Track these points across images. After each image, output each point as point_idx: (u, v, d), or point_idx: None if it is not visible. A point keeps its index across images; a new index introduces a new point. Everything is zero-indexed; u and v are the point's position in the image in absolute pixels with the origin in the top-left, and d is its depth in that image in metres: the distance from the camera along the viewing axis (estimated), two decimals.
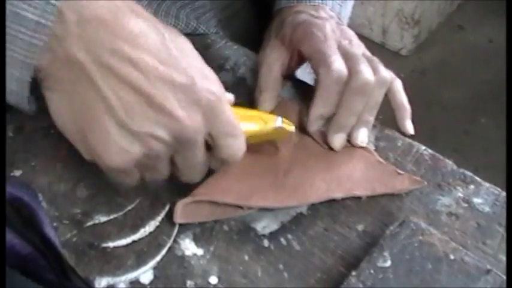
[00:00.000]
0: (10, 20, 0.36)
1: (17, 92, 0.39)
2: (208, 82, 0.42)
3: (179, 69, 0.40)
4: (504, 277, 0.44)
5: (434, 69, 2.04)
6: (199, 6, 0.69)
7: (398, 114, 0.57)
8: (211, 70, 0.44)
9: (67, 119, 0.40)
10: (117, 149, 0.39)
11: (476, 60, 2.05)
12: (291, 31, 0.58)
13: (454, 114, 1.88)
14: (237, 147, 0.45)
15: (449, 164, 0.55)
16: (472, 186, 0.53)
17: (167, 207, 0.50)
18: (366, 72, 0.53)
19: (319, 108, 0.54)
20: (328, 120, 0.55)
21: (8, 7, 0.36)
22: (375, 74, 0.53)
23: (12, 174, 0.52)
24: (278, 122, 0.49)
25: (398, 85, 0.57)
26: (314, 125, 0.54)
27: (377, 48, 2.02)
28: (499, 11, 2.06)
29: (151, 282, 0.46)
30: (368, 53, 0.56)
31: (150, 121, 0.39)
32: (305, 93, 0.61)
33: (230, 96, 0.47)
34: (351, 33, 0.58)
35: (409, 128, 0.57)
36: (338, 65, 0.53)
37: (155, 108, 0.39)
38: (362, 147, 0.54)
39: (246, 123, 0.47)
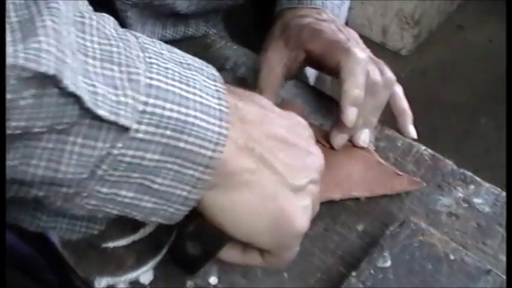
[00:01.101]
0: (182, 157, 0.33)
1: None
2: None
3: (302, 138, 0.40)
4: (504, 277, 0.44)
5: (434, 69, 2.04)
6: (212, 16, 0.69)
7: (400, 120, 0.58)
8: None
9: (255, 226, 0.37)
10: (301, 211, 0.38)
11: (476, 60, 2.05)
12: (297, 32, 0.58)
13: (454, 114, 1.88)
14: None
15: (449, 164, 0.55)
16: (472, 187, 0.53)
17: None
18: (374, 72, 0.53)
19: (351, 91, 0.51)
20: (329, 117, 0.55)
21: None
22: (381, 75, 0.54)
23: None
24: None
25: (399, 90, 0.57)
26: (349, 112, 0.51)
27: (377, 48, 2.02)
28: (499, 11, 2.06)
29: (151, 282, 0.46)
30: (372, 55, 0.57)
31: (305, 169, 0.39)
32: (305, 93, 0.61)
33: None
34: (357, 36, 0.59)
35: (412, 132, 0.57)
36: (356, 49, 0.53)
37: (302, 155, 0.39)
38: (362, 148, 0.54)
39: None
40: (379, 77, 0.53)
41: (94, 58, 0.30)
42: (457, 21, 2.20)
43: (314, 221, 0.50)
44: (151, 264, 0.47)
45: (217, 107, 0.34)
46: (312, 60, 0.58)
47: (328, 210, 0.51)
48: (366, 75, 0.52)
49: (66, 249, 0.47)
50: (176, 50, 0.35)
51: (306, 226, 0.39)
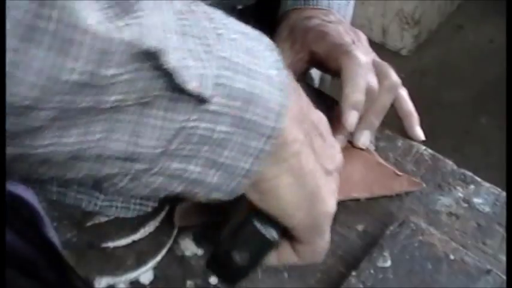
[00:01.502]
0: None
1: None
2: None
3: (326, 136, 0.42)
4: (504, 277, 0.44)
5: (434, 69, 2.04)
6: None
7: (407, 122, 0.58)
8: None
9: (295, 201, 0.38)
10: (332, 193, 0.40)
11: (476, 60, 2.05)
12: (303, 34, 0.58)
13: (454, 114, 1.88)
14: None
15: (449, 164, 0.55)
16: (472, 186, 0.53)
17: (167, 207, 0.50)
18: (372, 79, 0.53)
19: (352, 95, 0.52)
20: (329, 117, 0.55)
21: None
22: (384, 79, 0.54)
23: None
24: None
25: (404, 93, 0.58)
26: (350, 115, 0.51)
27: (377, 48, 2.01)
28: (499, 11, 2.06)
29: (151, 282, 0.46)
30: (378, 58, 0.57)
31: (331, 157, 0.40)
32: (305, 93, 0.61)
33: None
34: (364, 37, 0.59)
35: (420, 134, 0.58)
36: (358, 52, 0.53)
37: (329, 144, 0.40)
38: (362, 148, 0.54)
39: None
40: (376, 84, 0.53)
41: (176, 32, 0.29)
42: (457, 21, 2.20)
43: None
44: (151, 264, 0.47)
45: (277, 78, 0.34)
46: (316, 62, 0.58)
47: None
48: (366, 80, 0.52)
49: (66, 249, 0.47)
50: (231, 18, 0.35)
51: (334, 209, 0.40)
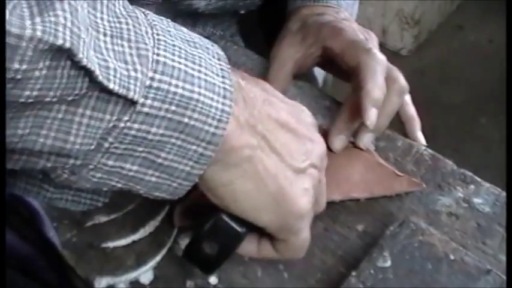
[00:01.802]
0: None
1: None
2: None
3: (307, 127, 0.42)
4: (504, 277, 0.44)
5: (434, 69, 2.04)
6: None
7: (409, 127, 0.58)
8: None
9: (257, 204, 0.38)
10: (301, 192, 0.39)
11: (476, 60, 2.05)
12: (317, 29, 0.58)
13: (454, 114, 1.88)
14: None
15: (449, 164, 0.55)
16: (472, 186, 0.53)
17: (167, 207, 0.50)
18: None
19: (373, 92, 0.51)
20: (329, 117, 0.55)
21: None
22: (394, 82, 0.53)
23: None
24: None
25: (407, 97, 0.58)
26: (372, 113, 0.50)
27: None
28: (499, 11, 2.05)
29: (151, 282, 0.46)
30: (387, 63, 0.56)
31: (305, 153, 0.40)
32: (305, 93, 0.61)
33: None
34: (376, 38, 0.59)
35: (421, 139, 0.58)
36: (376, 50, 0.53)
37: (302, 140, 0.40)
38: (361, 148, 0.54)
39: None
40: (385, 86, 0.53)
41: (105, 34, 0.30)
42: (457, 21, 2.20)
43: (314, 221, 0.50)
44: (151, 264, 0.47)
45: (221, 85, 0.34)
46: (328, 58, 0.57)
47: (328, 210, 0.51)
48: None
49: (66, 249, 0.47)
50: (183, 28, 0.36)
51: (307, 209, 0.40)
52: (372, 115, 0.50)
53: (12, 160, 0.31)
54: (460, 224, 0.50)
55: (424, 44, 2.12)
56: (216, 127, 0.34)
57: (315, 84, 0.75)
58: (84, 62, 0.28)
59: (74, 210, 0.39)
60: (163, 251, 0.48)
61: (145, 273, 0.47)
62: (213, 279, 0.46)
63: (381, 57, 0.53)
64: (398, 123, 0.59)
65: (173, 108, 0.32)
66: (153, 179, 0.35)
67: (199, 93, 0.33)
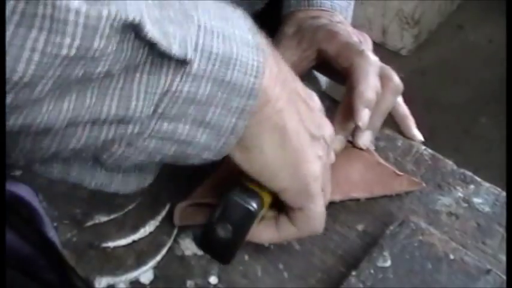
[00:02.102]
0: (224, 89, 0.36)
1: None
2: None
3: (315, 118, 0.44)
4: (504, 277, 0.44)
5: (434, 69, 2.04)
6: None
7: (404, 125, 0.59)
8: None
9: (279, 160, 0.40)
10: (315, 156, 0.41)
11: (476, 60, 2.05)
12: (312, 32, 0.59)
13: (454, 114, 1.88)
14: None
15: (449, 164, 0.55)
16: (472, 186, 0.53)
17: (167, 207, 0.50)
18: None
19: (365, 93, 0.52)
20: (329, 117, 0.55)
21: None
22: (389, 81, 0.54)
23: (12, 174, 0.52)
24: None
25: (399, 98, 0.58)
26: (363, 113, 0.51)
27: (377, 48, 2.01)
28: (499, 11, 2.06)
29: (151, 282, 0.46)
30: (380, 62, 0.57)
31: (318, 126, 0.42)
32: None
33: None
34: (370, 40, 0.60)
35: (418, 135, 0.58)
36: (369, 52, 0.55)
37: (315, 113, 0.43)
38: (361, 148, 0.54)
39: None
40: (379, 86, 0.54)
41: (154, 4, 0.32)
42: (457, 21, 2.20)
43: None
44: (151, 264, 0.47)
45: (252, 41, 0.36)
46: (323, 61, 0.58)
47: (328, 210, 0.50)
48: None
49: (66, 249, 0.47)
50: None
51: (319, 174, 0.42)
52: (363, 116, 0.52)
53: (74, 137, 0.33)
54: (460, 224, 0.50)
55: (424, 44, 2.12)
56: (256, 77, 0.36)
57: (316, 85, 0.75)
58: (150, 34, 0.30)
59: (123, 193, 0.40)
60: (163, 251, 0.48)
61: (145, 273, 0.47)
62: (213, 279, 0.46)
63: (374, 58, 0.54)
64: (397, 124, 0.59)
65: (217, 67, 0.34)
66: (204, 137, 0.37)
67: (237, 51, 0.35)
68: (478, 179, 0.53)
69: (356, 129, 0.54)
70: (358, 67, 0.53)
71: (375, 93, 0.52)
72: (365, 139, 0.54)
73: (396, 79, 0.55)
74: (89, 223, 0.49)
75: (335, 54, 0.56)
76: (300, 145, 0.40)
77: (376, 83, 0.53)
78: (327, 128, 0.43)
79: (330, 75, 0.64)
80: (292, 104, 0.40)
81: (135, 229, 0.49)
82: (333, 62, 0.57)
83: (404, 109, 0.59)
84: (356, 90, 0.52)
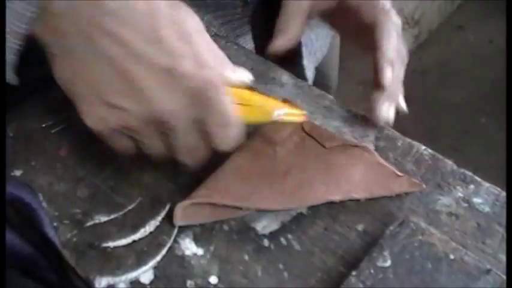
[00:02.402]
0: None
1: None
2: (205, 70, 0.40)
3: (164, 50, 0.39)
4: (504, 277, 0.44)
5: (434, 69, 2.04)
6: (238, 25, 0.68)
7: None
8: (221, 55, 0.43)
9: (66, 80, 0.40)
10: (96, 117, 0.40)
11: (476, 60, 2.05)
12: None
13: (454, 114, 1.88)
14: (230, 137, 0.43)
15: (449, 164, 0.55)
16: (472, 186, 0.53)
17: (167, 207, 0.50)
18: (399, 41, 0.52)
19: (389, 52, 0.50)
20: (329, 117, 0.55)
21: None
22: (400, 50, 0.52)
23: (12, 174, 0.52)
24: (280, 112, 0.47)
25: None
26: (388, 71, 0.49)
27: None
28: (499, 11, 2.06)
29: (151, 282, 0.46)
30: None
31: (123, 96, 0.39)
32: (305, 93, 0.61)
33: (243, 77, 0.45)
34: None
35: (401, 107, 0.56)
36: (394, 13, 0.53)
37: (129, 84, 0.38)
38: (362, 148, 0.54)
39: (246, 113, 0.45)
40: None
41: None
42: (457, 21, 2.20)
43: (314, 220, 0.50)
44: (152, 264, 0.47)
45: None
46: (343, 8, 0.55)
47: (328, 210, 0.51)
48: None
49: (66, 249, 0.47)
50: None
51: (97, 131, 0.42)
52: (388, 73, 0.49)
53: None
54: (460, 224, 0.50)
55: (424, 44, 2.12)
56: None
57: (326, 82, 0.74)
58: None
59: None
60: (164, 251, 0.48)
61: (145, 273, 0.47)
62: (213, 279, 0.46)
63: (398, 20, 0.52)
64: (397, 123, 0.58)
65: None
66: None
67: None
68: (478, 179, 0.53)
69: (376, 99, 0.51)
70: (381, 26, 0.51)
71: (395, 54, 0.50)
72: (389, 112, 0.51)
73: (403, 49, 0.53)
74: (89, 223, 0.49)
75: (357, 4, 0.53)
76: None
77: (399, 46, 0.50)
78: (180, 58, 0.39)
79: (344, 29, 0.60)
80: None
81: (135, 229, 0.49)
82: (351, 14, 0.53)
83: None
84: (380, 50, 0.50)
